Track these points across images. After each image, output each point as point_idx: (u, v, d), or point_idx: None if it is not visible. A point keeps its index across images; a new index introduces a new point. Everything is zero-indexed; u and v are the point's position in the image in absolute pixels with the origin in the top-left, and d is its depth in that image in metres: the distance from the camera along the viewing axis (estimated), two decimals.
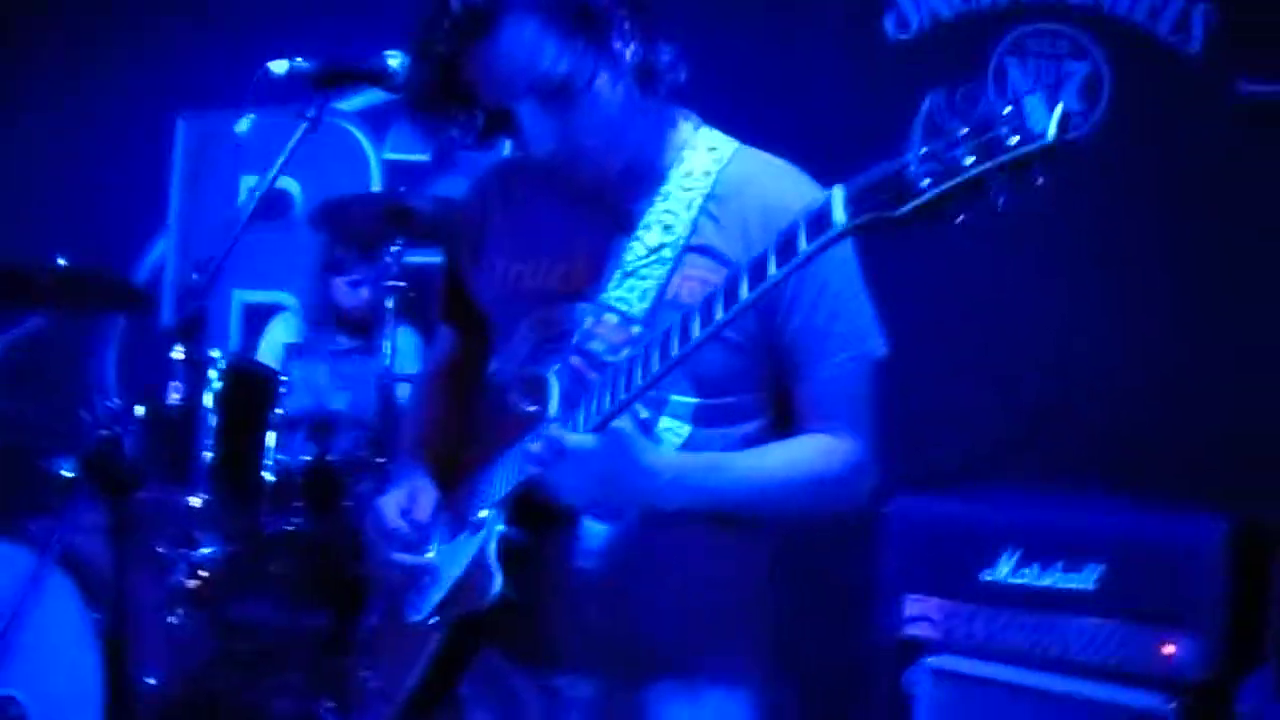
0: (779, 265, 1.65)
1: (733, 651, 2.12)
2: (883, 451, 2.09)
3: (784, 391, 2.07)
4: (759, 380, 2.06)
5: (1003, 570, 3.29)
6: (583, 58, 1.89)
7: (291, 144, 2.17)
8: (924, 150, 1.52)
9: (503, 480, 2.02)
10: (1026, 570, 3.26)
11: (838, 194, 1.60)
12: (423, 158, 5.63)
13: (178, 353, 3.27)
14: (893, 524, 3.46)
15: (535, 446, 1.87)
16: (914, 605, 3.42)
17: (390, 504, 2.19)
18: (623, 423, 1.87)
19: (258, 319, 5.53)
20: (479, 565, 1.98)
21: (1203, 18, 4.35)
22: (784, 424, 2.09)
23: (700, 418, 2.02)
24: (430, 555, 2.15)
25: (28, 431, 4.86)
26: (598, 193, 2.05)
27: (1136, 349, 4.26)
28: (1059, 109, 1.46)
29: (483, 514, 2.03)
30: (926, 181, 1.51)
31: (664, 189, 2.05)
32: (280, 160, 2.17)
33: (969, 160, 1.49)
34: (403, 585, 2.20)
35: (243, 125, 2.18)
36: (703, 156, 2.07)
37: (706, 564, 2.08)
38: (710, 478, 1.97)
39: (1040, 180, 1.48)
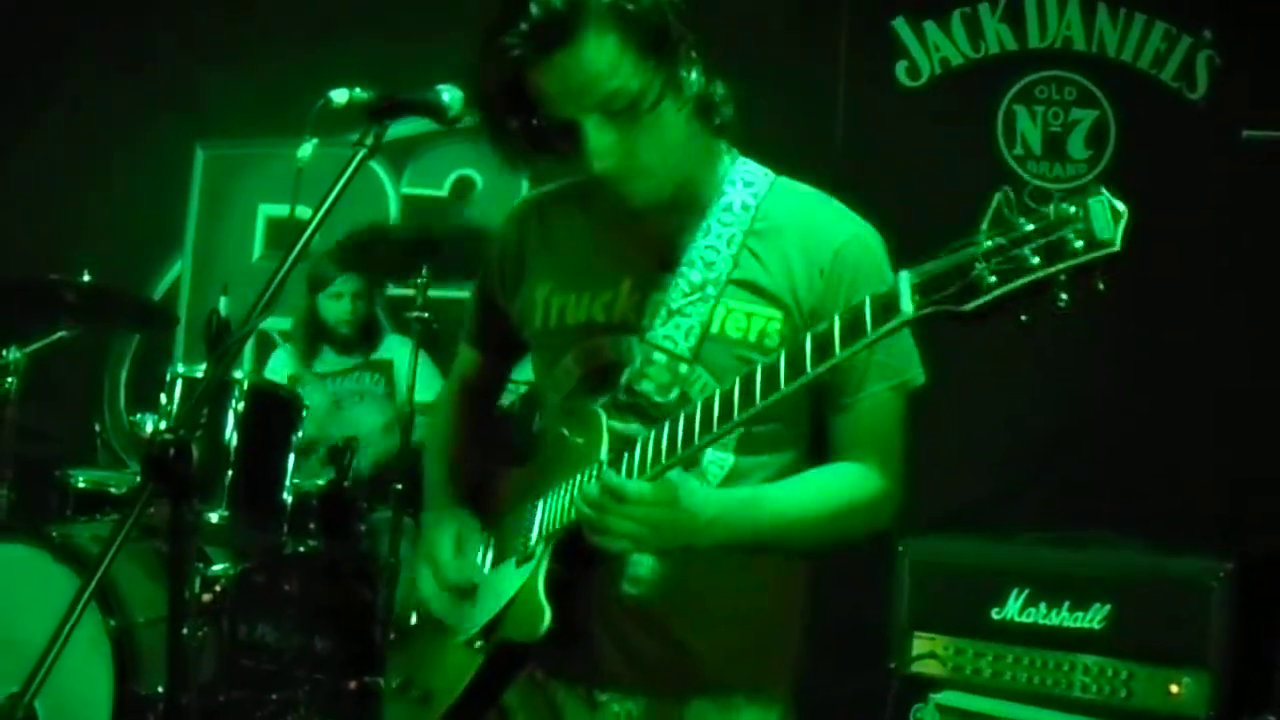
0: (843, 346, 1.69)
1: (768, 673, 2.18)
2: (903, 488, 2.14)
3: (822, 419, 2.11)
4: (800, 410, 2.10)
5: (1011, 608, 3.34)
6: (654, 79, 1.93)
7: (349, 172, 2.08)
8: (991, 245, 1.54)
9: (554, 514, 2.04)
10: (1034, 609, 3.32)
11: (905, 281, 1.61)
12: (440, 193, 5.72)
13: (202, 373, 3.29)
14: (905, 561, 3.51)
15: (591, 490, 1.88)
16: (922, 642, 3.47)
17: (444, 544, 2.22)
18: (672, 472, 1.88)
19: (266, 345, 5.58)
20: (528, 599, 2.00)
21: (1206, 65, 4.45)
22: (818, 451, 2.14)
23: (744, 447, 2.06)
24: (474, 576, 2.18)
25: (46, 441, 4.90)
26: (644, 218, 2.07)
27: (1144, 391, 4.32)
28: (1124, 216, 1.49)
29: (532, 545, 2.06)
30: (993, 279, 1.53)
31: (705, 224, 2.09)
32: (338, 189, 2.07)
33: (1035, 260, 1.51)
34: (447, 604, 2.23)
35: (305, 151, 2.16)
36: (741, 190, 2.11)
37: (748, 592, 2.14)
38: (746, 513, 1.99)
39: (1102, 286, 1.51)
